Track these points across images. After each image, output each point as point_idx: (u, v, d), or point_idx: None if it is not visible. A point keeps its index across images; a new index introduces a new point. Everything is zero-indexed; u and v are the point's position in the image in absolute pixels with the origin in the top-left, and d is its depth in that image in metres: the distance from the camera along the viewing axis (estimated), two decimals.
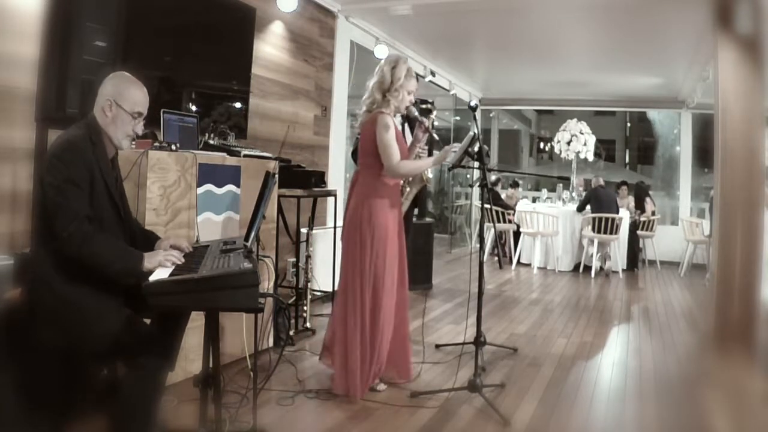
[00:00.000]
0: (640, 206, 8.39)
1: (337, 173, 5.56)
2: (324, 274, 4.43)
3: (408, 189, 3.60)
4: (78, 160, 1.82)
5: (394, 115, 2.92)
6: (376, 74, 2.92)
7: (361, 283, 2.82)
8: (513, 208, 8.27)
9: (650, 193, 8.80)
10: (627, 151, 19.96)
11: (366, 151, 2.89)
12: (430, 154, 3.81)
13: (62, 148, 1.84)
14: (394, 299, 2.94)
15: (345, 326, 2.85)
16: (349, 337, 2.82)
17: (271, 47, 4.55)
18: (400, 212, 3.04)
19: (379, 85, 2.88)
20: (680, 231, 8.08)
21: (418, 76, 3.90)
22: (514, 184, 9.61)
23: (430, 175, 3.44)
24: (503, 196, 8.92)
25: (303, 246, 4.02)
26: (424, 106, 4.09)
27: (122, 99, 1.94)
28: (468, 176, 8.44)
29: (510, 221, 8.04)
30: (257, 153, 3.42)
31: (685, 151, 9.10)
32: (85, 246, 1.77)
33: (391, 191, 2.94)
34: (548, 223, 7.49)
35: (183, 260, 1.93)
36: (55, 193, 1.78)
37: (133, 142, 2.62)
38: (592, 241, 7.23)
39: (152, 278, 1.75)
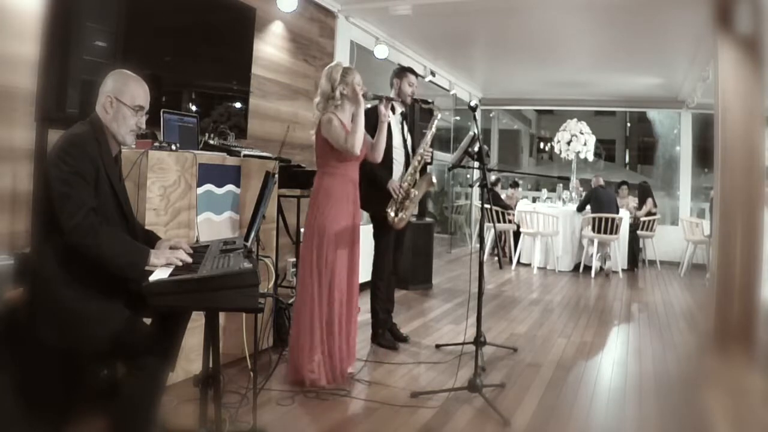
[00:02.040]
0: (642, 206, 8.40)
1: None
2: None
3: (415, 192, 3.61)
4: (83, 155, 1.83)
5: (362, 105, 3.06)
6: (318, 94, 3.08)
7: (307, 276, 2.97)
8: (513, 208, 8.27)
9: (653, 193, 8.80)
10: (627, 151, 19.95)
11: (316, 153, 3.09)
12: (426, 167, 3.81)
13: (68, 143, 1.85)
14: (345, 295, 3.04)
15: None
16: (292, 328, 3.07)
17: (271, 47, 4.55)
18: (352, 211, 3.11)
19: (323, 97, 3.04)
20: (680, 231, 8.08)
21: (418, 75, 3.90)
22: (514, 184, 9.61)
23: (434, 180, 3.49)
24: (503, 196, 8.92)
25: None
26: (425, 105, 4.08)
27: (122, 94, 1.95)
28: (468, 176, 8.44)
29: (510, 221, 8.04)
30: (257, 153, 3.42)
31: (685, 151, 9.09)
32: (91, 237, 1.77)
33: (338, 190, 3.03)
34: (548, 223, 7.49)
35: (190, 259, 1.93)
36: (61, 185, 1.78)
37: (134, 143, 2.62)
38: (592, 241, 7.23)
39: (152, 278, 1.75)
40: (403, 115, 3.84)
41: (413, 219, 5.47)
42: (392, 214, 3.59)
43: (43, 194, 1.88)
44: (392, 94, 3.75)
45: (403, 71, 3.81)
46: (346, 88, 3.01)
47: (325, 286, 2.96)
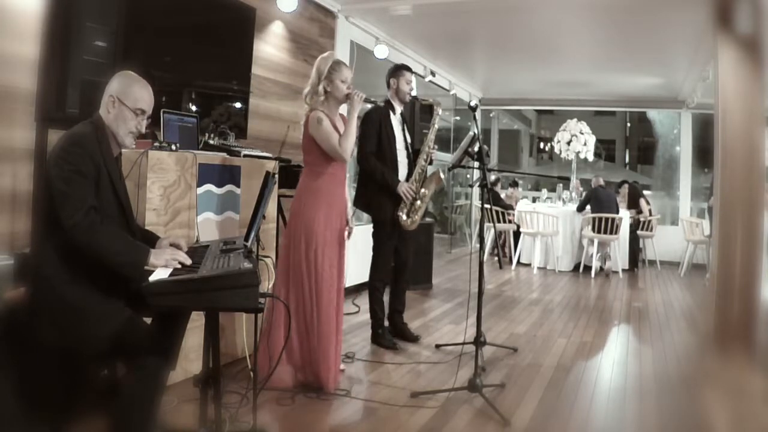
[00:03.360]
0: (634, 207, 8.39)
1: None
2: None
3: (425, 192, 3.60)
4: (85, 154, 1.84)
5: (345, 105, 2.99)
6: (308, 83, 2.98)
7: (289, 277, 2.90)
8: (513, 208, 8.28)
9: (644, 193, 8.80)
10: (627, 151, 19.97)
11: (303, 150, 3.00)
12: (425, 165, 3.79)
13: (69, 142, 1.85)
14: (332, 298, 2.91)
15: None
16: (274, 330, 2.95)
17: (271, 47, 4.55)
18: (339, 213, 3.01)
19: (312, 89, 2.94)
20: (680, 231, 8.08)
21: (417, 75, 3.89)
22: (514, 184, 9.61)
23: (443, 176, 3.48)
24: (503, 196, 8.92)
25: None
26: (425, 102, 4.06)
27: (125, 96, 1.96)
28: (468, 176, 8.44)
29: (510, 221, 8.04)
30: (257, 153, 3.42)
31: (685, 151, 9.09)
32: (91, 235, 1.78)
33: (326, 190, 2.95)
34: (548, 223, 7.49)
35: (189, 261, 1.93)
36: (61, 184, 1.79)
37: (133, 145, 2.62)
38: (592, 241, 7.23)
39: (152, 278, 1.75)
40: (403, 115, 3.82)
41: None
42: (404, 216, 3.57)
43: (44, 193, 1.88)
44: (390, 94, 3.73)
45: (399, 69, 3.73)
46: (330, 85, 2.91)
47: (314, 289, 2.86)
